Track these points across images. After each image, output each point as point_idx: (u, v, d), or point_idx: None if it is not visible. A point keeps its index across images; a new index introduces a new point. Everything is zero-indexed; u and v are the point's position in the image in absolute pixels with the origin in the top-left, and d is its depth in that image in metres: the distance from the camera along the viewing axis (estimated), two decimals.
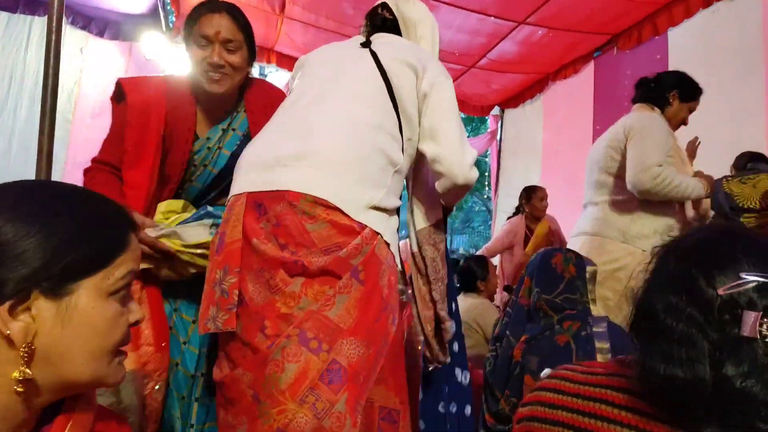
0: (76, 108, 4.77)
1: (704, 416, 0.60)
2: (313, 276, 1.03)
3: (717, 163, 2.83)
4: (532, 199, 3.69)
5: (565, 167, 5.50)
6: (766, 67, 3.43)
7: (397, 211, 1.29)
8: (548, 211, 4.21)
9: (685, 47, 4.17)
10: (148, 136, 1.37)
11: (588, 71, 5.21)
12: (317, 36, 5.26)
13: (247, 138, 1.45)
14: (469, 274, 2.96)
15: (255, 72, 6.06)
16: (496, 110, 6.99)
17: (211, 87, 1.39)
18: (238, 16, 1.42)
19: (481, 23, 4.62)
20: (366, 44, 1.38)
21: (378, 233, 1.11)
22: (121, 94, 1.43)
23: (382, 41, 1.40)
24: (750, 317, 0.60)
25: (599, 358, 1.43)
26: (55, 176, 5.09)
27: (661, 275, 0.71)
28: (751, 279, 0.62)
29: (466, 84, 6.10)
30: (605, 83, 5.08)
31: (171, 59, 5.24)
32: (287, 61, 5.86)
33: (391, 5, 1.49)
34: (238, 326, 1.05)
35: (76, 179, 5.45)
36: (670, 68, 4.28)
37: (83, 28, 4.59)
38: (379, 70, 1.30)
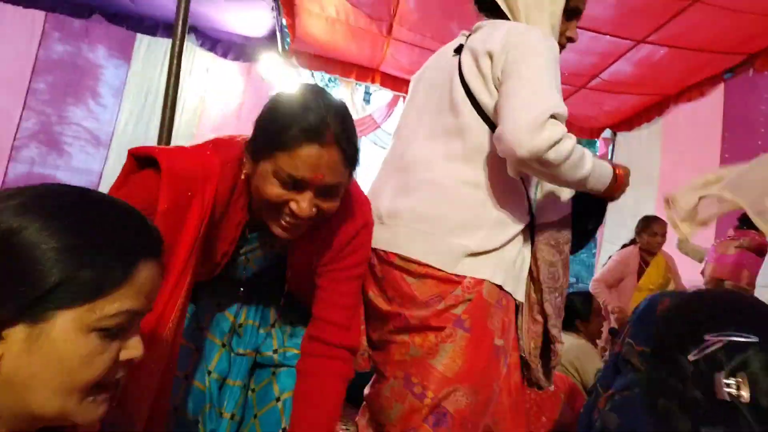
0: (199, 123, 5.25)
1: None
2: (416, 329, 1.06)
3: None
4: (646, 230, 3.37)
5: None
6: None
7: (529, 227, 1.15)
8: (664, 248, 3.83)
9: None
10: (179, 250, 0.93)
11: (717, 94, 4.72)
12: (422, 56, 5.31)
13: (282, 259, 1.13)
14: (570, 310, 2.73)
15: (360, 91, 6.27)
16: (607, 133, 6.58)
17: (278, 232, 0.98)
18: (348, 145, 0.94)
19: (594, 42, 4.38)
20: (459, 49, 1.18)
21: (483, 279, 1.07)
22: (149, 166, 0.97)
23: (477, 36, 1.16)
24: (718, 379, 0.61)
25: None
26: None
27: (650, 353, 0.74)
28: (715, 340, 0.62)
29: (574, 105, 5.79)
30: (737, 108, 4.57)
31: (285, 79, 5.59)
32: (391, 81, 6.00)
33: None
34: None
35: None
36: None
37: (210, 49, 5.04)
38: (461, 82, 1.12)
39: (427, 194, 1.10)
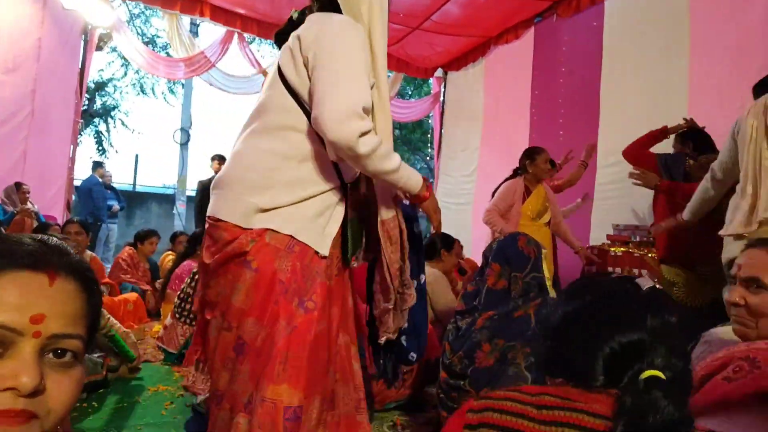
0: None
1: None
2: (218, 270, 1.23)
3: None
4: (536, 160, 3.59)
5: (504, 131, 5.65)
6: (691, 40, 3.62)
7: (340, 187, 1.28)
8: (487, 174, 4.26)
9: (619, 17, 4.32)
10: None
11: (528, 37, 5.29)
12: None
13: None
14: (434, 243, 3.19)
15: (186, 21, 5.69)
16: (439, 72, 7.00)
17: None
18: None
19: None
20: (283, 41, 1.32)
21: (268, 228, 1.20)
22: None
23: (300, 27, 1.28)
24: None
25: None
26: None
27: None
28: None
29: (410, 45, 6.04)
30: (544, 49, 5.19)
31: (94, 10, 4.83)
32: (222, 15, 5.55)
33: None
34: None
35: None
36: (605, 37, 4.45)
37: None
38: (277, 64, 1.26)
39: (232, 163, 1.27)
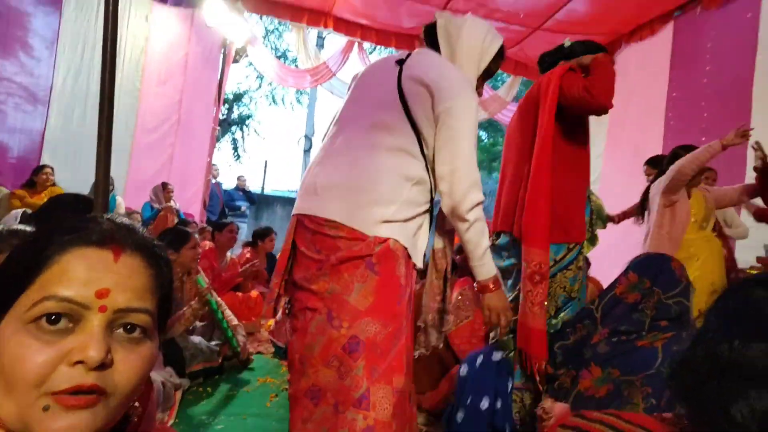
0: (143, 77, 4.94)
1: None
2: (335, 269, 1.28)
3: None
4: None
5: (632, 138, 5.17)
6: None
7: (429, 210, 1.44)
8: (611, 186, 3.92)
9: None
10: None
11: (666, 33, 4.80)
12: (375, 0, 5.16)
13: None
14: None
15: (313, 35, 6.00)
16: None
17: None
18: None
19: None
20: (401, 61, 1.44)
21: (389, 237, 1.30)
22: None
23: (417, 57, 1.45)
24: None
25: None
26: (125, 142, 5.30)
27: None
28: None
29: (530, 46, 5.80)
30: (685, 46, 4.67)
31: (231, 26, 5.31)
32: (344, 26, 5.80)
33: (438, 19, 1.51)
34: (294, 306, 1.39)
35: (145, 145, 5.69)
36: (761, 29, 3.88)
37: None
38: (399, 92, 1.38)
39: (356, 173, 1.33)
